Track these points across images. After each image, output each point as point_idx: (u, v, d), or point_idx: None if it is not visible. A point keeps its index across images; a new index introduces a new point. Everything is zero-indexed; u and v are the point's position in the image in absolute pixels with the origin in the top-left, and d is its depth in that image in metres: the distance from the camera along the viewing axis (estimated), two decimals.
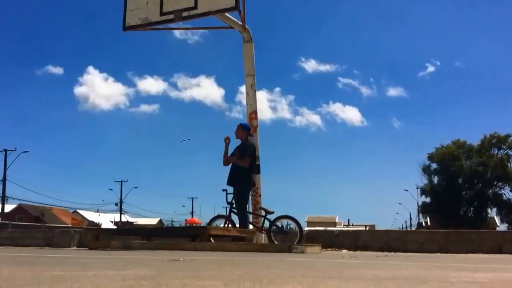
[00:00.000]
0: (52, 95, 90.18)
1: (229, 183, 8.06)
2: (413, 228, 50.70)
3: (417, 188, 53.26)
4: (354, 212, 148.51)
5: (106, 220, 56.54)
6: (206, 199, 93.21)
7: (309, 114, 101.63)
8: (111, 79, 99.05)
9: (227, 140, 8.16)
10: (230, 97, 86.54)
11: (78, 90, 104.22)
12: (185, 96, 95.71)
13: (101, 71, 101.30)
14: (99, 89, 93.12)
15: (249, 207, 8.13)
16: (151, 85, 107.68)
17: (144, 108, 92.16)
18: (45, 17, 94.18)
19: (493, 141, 51.34)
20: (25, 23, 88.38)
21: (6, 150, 43.66)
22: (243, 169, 7.95)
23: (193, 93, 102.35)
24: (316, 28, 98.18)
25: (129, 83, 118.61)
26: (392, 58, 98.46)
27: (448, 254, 7.55)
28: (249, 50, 8.65)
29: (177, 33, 74.46)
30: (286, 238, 7.89)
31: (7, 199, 45.00)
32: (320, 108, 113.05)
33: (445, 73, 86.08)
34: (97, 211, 60.95)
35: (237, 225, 8.03)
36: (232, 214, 8.04)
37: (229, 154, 8.16)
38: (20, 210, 54.42)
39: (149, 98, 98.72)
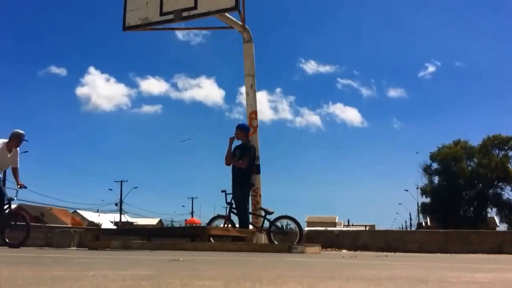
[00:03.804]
0: (53, 96, 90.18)
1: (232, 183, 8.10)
2: (413, 228, 50.67)
3: (417, 188, 53.28)
4: (354, 212, 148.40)
5: (106, 220, 56.47)
6: (206, 199, 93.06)
7: (309, 114, 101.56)
8: (113, 80, 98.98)
9: (232, 140, 8.15)
10: (230, 98, 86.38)
11: (80, 91, 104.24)
12: (186, 97, 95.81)
13: (102, 72, 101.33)
14: (101, 90, 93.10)
15: (249, 207, 8.13)
16: (153, 85, 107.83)
17: (146, 108, 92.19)
18: (46, 17, 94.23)
19: (495, 142, 51.34)
20: (27, 24, 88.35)
21: None
22: (242, 169, 7.96)
23: (193, 94, 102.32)
24: (315, 29, 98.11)
25: (131, 84, 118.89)
26: (392, 58, 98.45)
27: (448, 254, 7.56)
28: (249, 50, 8.66)
29: (179, 34, 74.53)
30: (286, 238, 7.89)
31: None
32: (320, 109, 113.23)
33: (445, 73, 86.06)
34: (97, 211, 60.90)
35: (237, 225, 8.04)
36: (231, 214, 8.05)
37: None
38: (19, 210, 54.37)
39: (151, 99, 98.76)
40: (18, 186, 7.93)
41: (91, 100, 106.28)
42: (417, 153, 79.02)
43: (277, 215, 8.05)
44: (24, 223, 7.92)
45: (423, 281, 2.51)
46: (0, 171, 7.96)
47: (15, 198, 7.95)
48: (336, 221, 55.95)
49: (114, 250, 6.87)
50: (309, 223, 42.91)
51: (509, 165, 50.40)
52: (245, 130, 8.20)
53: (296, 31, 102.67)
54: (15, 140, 8.00)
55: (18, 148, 8.09)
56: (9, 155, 7.91)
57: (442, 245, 8.15)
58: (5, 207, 7.86)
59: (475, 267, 4.30)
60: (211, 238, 7.47)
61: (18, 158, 8.11)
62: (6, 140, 7.96)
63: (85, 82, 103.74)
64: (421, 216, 57.26)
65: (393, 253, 7.75)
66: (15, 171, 8.07)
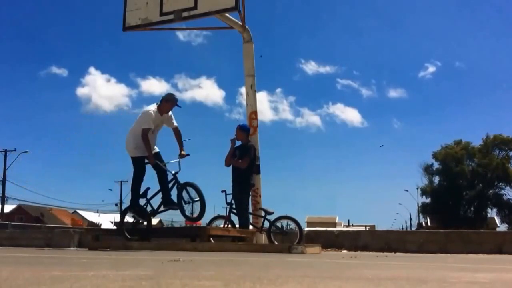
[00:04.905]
0: (54, 96, 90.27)
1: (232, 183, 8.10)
2: (413, 229, 50.66)
3: (417, 188, 53.30)
4: (354, 212, 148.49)
5: (106, 221, 56.37)
6: (206, 199, 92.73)
7: (309, 115, 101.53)
8: (113, 80, 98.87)
9: (234, 142, 8.14)
10: (230, 98, 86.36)
11: (81, 91, 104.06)
12: (186, 97, 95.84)
13: (103, 72, 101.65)
14: (101, 90, 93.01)
15: (249, 208, 8.13)
16: (154, 86, 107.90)
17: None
18: (47, 17, 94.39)
19: (496, 142, 51.31)
20: (27, 24, 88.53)
21: (6, 150, 43.63)
22: (242, 169, 7.96)
23: (194, 94, 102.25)
24: (315, 29, 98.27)
25: (132, 84, 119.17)
26: (392, 58, 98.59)
27: (448, 254, 7.55)
28: (249, 51, 8.65)
29: (180, 35, 74.66)
30: (286, 239, 7.88)
31: (7, 200, 44.94)
32: (321, 109, 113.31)
33: (445, 73, 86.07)
34: (97, 212, 60.87)
35: (237, 226, 8.03)
36: (232, 214, 8.05)
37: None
38: (20, 210, 54.38)
39: (152, 99, 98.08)
40: (179, 156, 7.27)
41: (91, 101, 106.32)
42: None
43: (277, 215, 8.04)
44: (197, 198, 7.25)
45: (423, 281, 2.51)
46: (155, 134, 7.36)
47: (179, 171, 7.23)
48: (336, 221, 55.95)
49: (114, 250, 6.86)
50: (309, 223, 42.90)
51: (510, 166, 50.41)
52: (245, 131, 8.20)
53: (296, 31, 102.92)
54: (166, 104, 7.42)
55: (171, 113, 7.49)
56: (161, 119, 7.41)
57: (442, 245, 8.14)
58: (173, 182, 7.30)
59: (475, 267, 4.30)
60: (211, 238, 7.46)
61: (174, 121, 7.52)
62: (156, 104, 7.42)
63: (85, 82, 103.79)
64: (421, 216, 57.33)
65: (393, 253, 7.74)
66: (177, 133, 7.52)
